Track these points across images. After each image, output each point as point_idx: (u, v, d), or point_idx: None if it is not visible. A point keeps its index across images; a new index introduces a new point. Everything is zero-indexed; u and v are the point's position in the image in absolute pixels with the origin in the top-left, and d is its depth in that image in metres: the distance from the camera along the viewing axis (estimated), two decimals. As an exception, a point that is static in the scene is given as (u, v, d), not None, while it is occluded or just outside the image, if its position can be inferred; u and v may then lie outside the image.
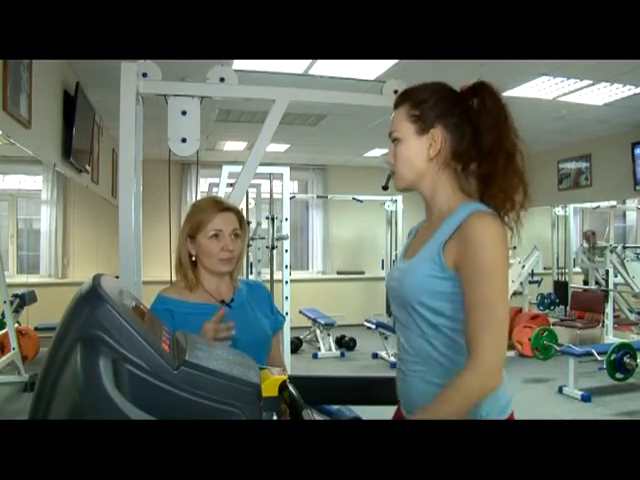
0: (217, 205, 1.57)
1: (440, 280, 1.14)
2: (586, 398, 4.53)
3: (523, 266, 6.39)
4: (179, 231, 1.62)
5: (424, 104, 1.21)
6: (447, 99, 1.22)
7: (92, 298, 0.73)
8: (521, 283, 6.51)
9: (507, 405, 1.19)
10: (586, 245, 7.33)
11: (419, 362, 1.20)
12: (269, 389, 0.88)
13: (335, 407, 2.66)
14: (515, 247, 5.91)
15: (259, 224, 5.83)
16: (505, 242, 1.13)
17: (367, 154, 7.60)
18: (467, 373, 1.05)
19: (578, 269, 7.49)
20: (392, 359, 5.86)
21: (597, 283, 6.71)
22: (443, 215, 1.21)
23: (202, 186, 7.43)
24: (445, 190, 1.23)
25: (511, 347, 5.73)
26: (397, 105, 1.27)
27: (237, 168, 4.23)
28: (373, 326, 6.24)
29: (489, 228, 1.11)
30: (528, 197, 1.18)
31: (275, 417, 0.93)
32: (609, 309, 5.74)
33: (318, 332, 6.61)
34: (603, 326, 5.85)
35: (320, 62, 3.84)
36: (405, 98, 1.25)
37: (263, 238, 5.61)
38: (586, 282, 7.02)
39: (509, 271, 1.16)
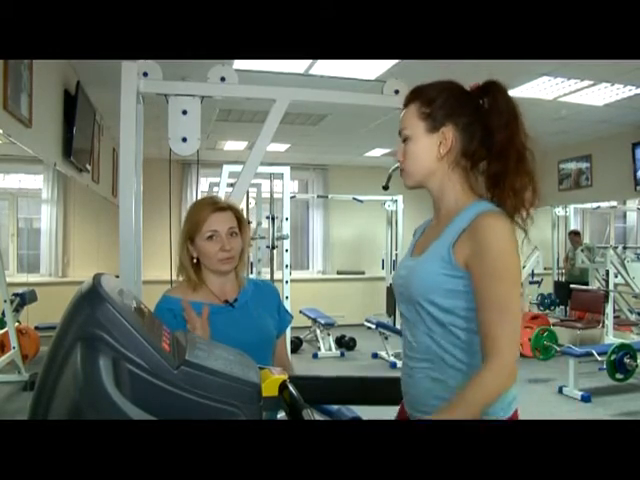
0: (211, 206, 1.56)
1: (451, 278, 1.14)
2: (586, 398, 4.52)
3: (524, 266, 6.40)
4: (180, 231, 1.62)
5: (435, 102, 1.20)
6: (458, 98, 1.22)
7: (92, 297, 0.73)
8: (521, 283, 6.49)
9: (510, 403, 1.18)
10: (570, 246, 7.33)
11: (425, 359, 1.19)
12: (269, 389, 0.88)
13: (335, 407, 2.66)
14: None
15: (259, 224, 5.83)
16: (515, 241, 1.13)
17: (367, 154, 7.61)
18: (488, 373, 1.05)
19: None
20: (392, 359, 5.86)
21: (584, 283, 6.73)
22: (451, 213, 1.21)
23: (203, 186, 7.42)
24: (454, 188, 1.22)
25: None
26: (407, 103, 1.25)
27: (238, 168, 4.23)
28: (373, 326, 6.24)
29: (499, 227, 1.11)
30: (537, 195, 1.18)
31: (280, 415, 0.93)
32: (609, 309, 5.74)
33: (318, 332, 6.61)
34: (603, 326, 5.84)
35: (321, 62, 3.84)
36: (416, 96, 1.24)
37: (263, 238, 5.62)
38: (569, 282, 7.02)
39: (520, 269, 1.17)
